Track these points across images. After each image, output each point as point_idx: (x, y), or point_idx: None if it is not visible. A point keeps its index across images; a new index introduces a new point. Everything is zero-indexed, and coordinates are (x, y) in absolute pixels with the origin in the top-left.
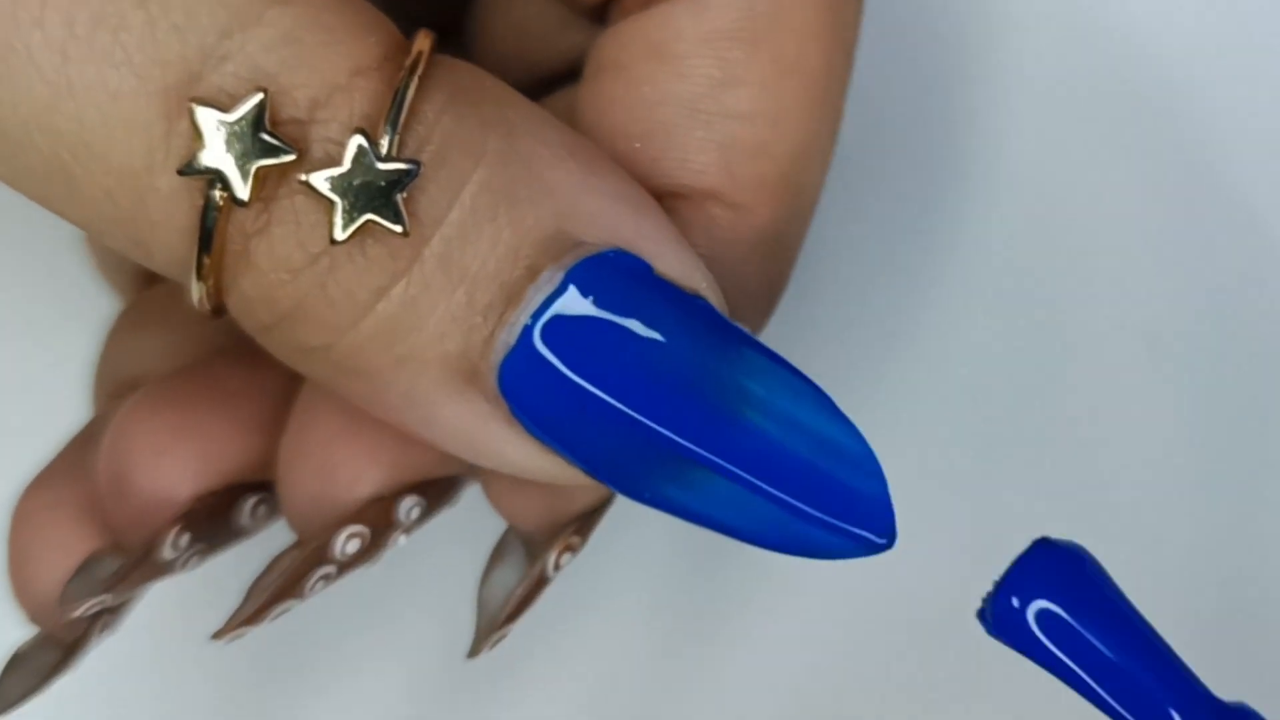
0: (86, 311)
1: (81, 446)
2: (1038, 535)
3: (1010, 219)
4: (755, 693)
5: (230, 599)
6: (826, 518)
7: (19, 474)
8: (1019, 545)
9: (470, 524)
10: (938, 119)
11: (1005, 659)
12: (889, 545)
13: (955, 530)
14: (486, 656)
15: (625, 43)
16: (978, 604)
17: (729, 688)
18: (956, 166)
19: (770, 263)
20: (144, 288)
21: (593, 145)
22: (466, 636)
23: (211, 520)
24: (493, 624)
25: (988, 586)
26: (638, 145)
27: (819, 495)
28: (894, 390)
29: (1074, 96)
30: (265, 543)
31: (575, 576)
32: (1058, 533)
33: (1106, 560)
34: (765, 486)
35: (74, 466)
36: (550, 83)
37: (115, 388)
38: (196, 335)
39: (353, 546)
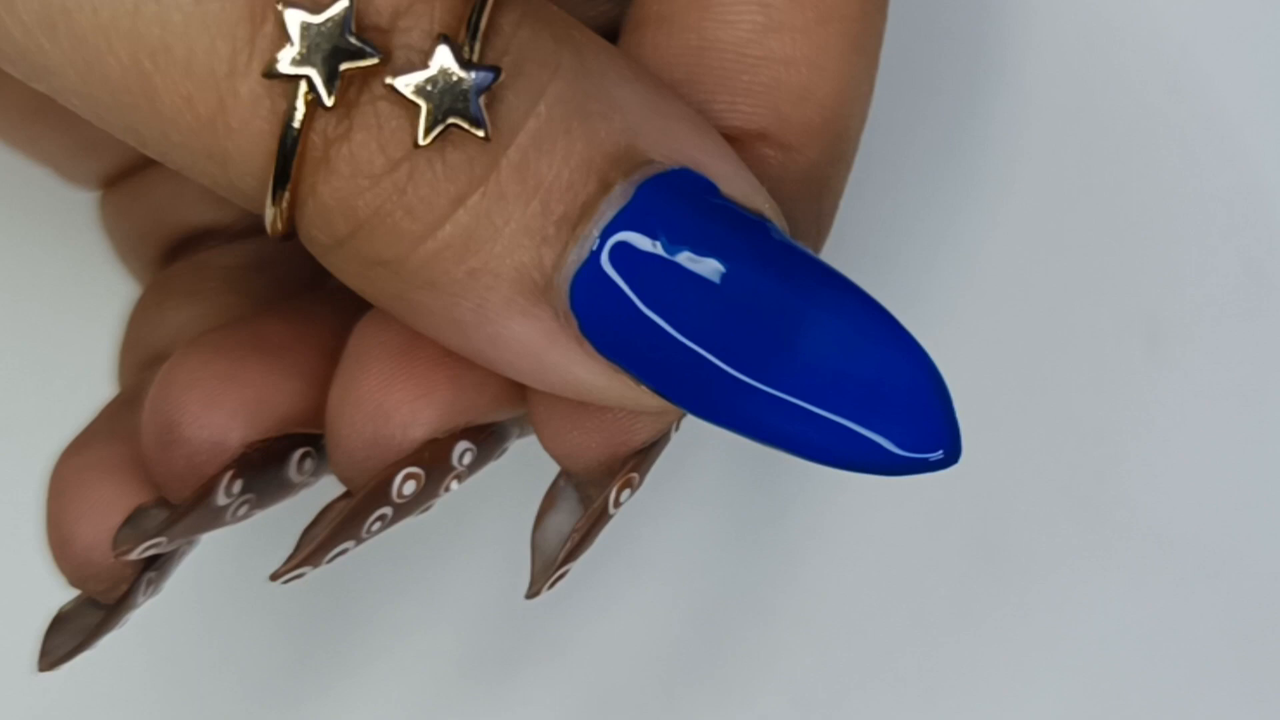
0: (105, 296)
1: (117, 411)
2: (1039, 536)
3: (1015, 216)
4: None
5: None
6: (888, 441)
7: (41, 459)
8: (1021, 544)
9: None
10: (942, 117)
11: (1010, 653)
12: (952, 462)
13: (958, 528)
14: (517, 627)
15: None
16: (979, 603)
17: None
18: (961, 165)
19: (816, 202)
20: (163, 269)
21: (651, 72)
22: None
23: (262, 468)
24: (552, 563)
25: (989, 585)
26: (685, 91)
27: (883, 416)
28: None
29: (1080, 94)
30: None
31: (601, 561)
32: (1059, 531)
33: (1107, 559)
34: (825, 413)
35: (111, 429)
36: None
37: (144, 359)
38: (224, 305)
39: (409, 488)
